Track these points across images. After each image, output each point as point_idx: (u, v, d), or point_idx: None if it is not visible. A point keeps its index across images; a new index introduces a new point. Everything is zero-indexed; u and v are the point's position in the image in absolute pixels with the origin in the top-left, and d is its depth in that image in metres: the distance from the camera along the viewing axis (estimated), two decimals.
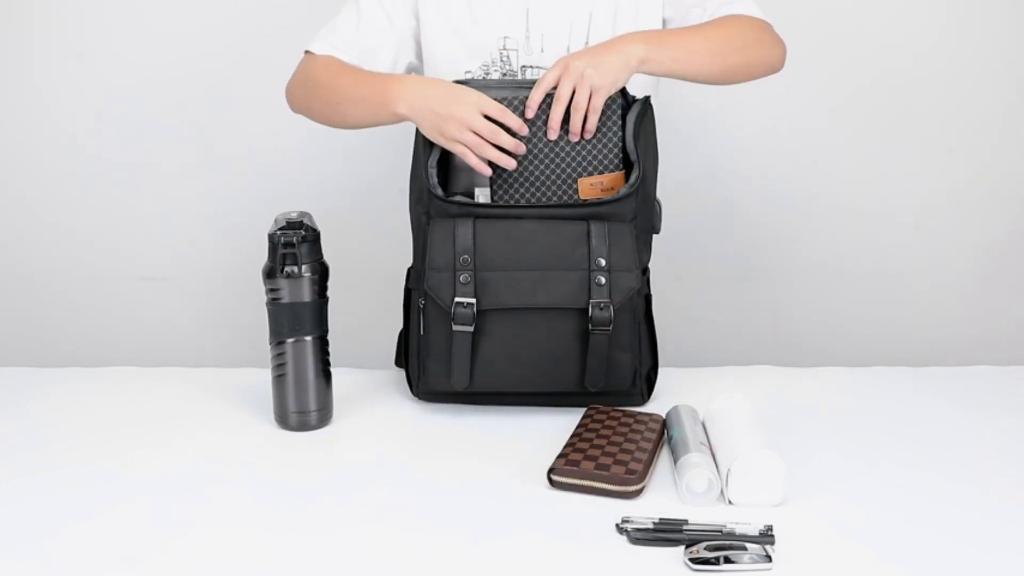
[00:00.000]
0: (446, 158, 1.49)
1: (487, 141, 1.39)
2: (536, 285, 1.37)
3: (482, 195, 1.46)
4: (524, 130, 1.41)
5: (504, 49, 1.56)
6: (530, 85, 1.47)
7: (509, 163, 1.41)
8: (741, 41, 1.53)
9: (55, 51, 2.29)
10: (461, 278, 1.36)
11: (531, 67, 1.57)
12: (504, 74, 1.57)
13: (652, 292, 1.55)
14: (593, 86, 1.39)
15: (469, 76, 1.57)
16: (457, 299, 1.36)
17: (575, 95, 1.39)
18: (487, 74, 1.57)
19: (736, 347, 2.44)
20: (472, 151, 1.39)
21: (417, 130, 1.47)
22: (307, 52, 1.60)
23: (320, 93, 1.55)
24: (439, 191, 1.41)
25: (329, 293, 1.42)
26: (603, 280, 1.37)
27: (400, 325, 1.58)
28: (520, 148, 1.41)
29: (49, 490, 1.22)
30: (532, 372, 1.40)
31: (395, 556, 1.08)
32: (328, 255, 1.44)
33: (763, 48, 1.56)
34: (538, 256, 1.38)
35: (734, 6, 1.57)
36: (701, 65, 1.48)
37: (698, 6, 1.58)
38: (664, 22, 1.61)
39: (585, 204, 1.41)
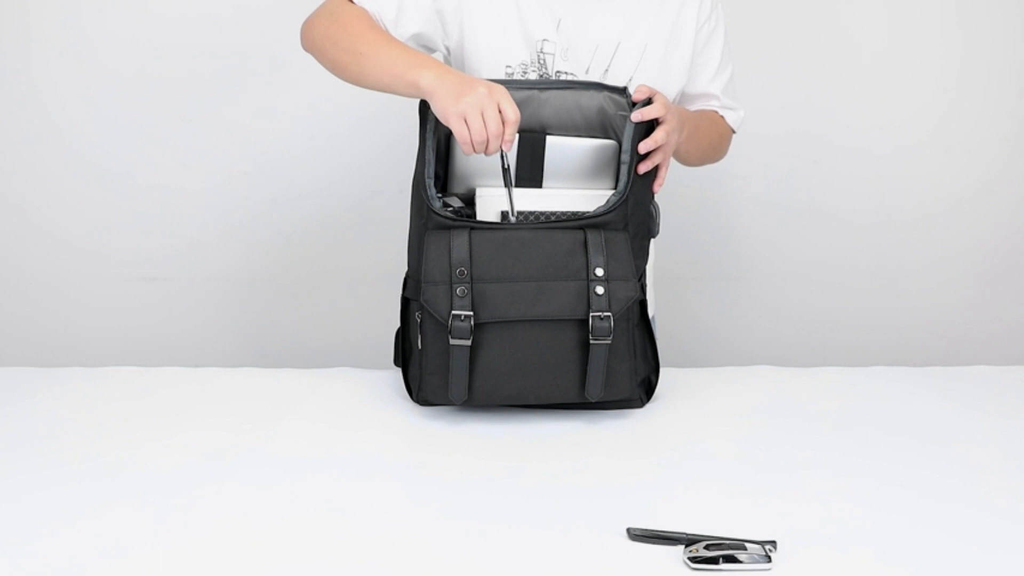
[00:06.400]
0: (447, 161, 1.49)
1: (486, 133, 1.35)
2: (534, 296, 1.35)
3: (482, 196, 1.46)
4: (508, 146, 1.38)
5: (542, 52, 1.56)
6: (528, 86, 1.48)
7: (492, 152, 1.37)
8: (717, 149, 1.74)
9: (54, 50, 2.29)
10: (458, 291, 1.34)
11: (565, 73, 1.58)
12: (540, 75, 1.57)
13: (653, 293, 1.55)
14: (668, 156, 1.49)
15: (509, 71, 1.56)
16: (454, 312, 1.34)
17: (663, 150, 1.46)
18: (524, 72, 1.57)
19: (736, 347, 2.45)
20: (471, 133, 1.35)
21: (422, 135, 1.46)
22: None
23: (345, 41, 1.51)
24: (435, 204, 1.39)
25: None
26: (601, 290, 1.36)
27: (398, 324, 1.58)
28: (507, 147, 1.37)
29: (49, 489, 1.22)
30: (531, 384, 1.39)
31: (394, 554, 1.08)
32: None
33: (720, 154, 1.77)
34: (535, 266, 1.36)
35: (730, 114, 1.73)
36: (687, 153, 1.63)
37: (714, 81, 1.70)
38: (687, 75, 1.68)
39: (575, 217, 1.40)
